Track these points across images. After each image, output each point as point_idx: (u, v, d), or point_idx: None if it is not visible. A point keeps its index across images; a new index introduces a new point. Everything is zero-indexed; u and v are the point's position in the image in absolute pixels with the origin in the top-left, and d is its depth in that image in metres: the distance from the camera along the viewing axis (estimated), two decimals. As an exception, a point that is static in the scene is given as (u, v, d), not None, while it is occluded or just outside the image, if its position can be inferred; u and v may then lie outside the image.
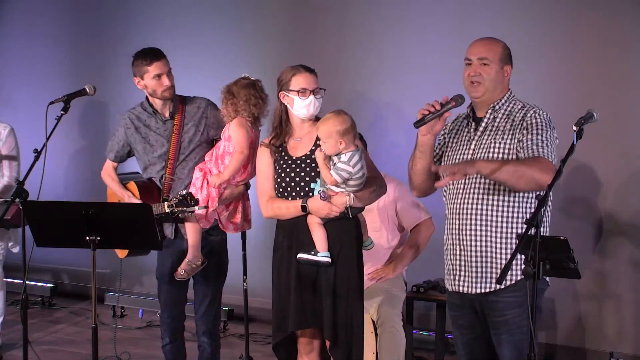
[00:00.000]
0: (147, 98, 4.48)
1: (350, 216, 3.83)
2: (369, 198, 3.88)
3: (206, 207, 4.16)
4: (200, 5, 6.64)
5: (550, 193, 3.20)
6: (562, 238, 3.04)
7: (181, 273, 4.30)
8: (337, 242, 3.81)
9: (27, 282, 4.16)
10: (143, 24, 6.83)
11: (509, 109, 3.54)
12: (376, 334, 4.72)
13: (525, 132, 3.43)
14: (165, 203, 4.17)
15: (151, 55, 4.36)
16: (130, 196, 4.44)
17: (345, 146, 3.74)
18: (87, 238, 3.75)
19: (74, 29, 7.25)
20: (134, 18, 6.92)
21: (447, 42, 5.53)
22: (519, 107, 3.54)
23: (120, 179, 4.57)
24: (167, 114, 4.44)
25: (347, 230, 3.85)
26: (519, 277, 3.36)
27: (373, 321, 4.75)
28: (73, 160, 7.29)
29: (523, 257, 3.09)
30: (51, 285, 7.11)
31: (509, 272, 3.36)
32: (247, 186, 4.37)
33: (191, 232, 4.29)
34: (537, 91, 5.09)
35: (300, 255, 3.78)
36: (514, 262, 3.09)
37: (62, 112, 4.17)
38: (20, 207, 4.01)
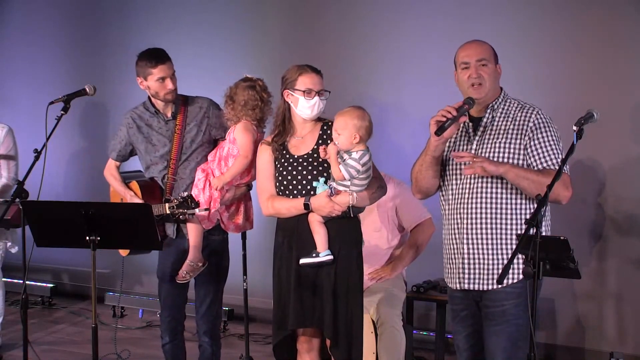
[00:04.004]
0: (149, 98, 4.47)
1: (352, 215, 3.84)
2: (370, 198, 3.88)
3: (207, 209, 4.16)
4: (200, 6, 6.63)
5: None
6: (562, 238, 3.04)
7: (183, 275, 4.29)
8: (337, 241, 3.81)
9: (27, 282, 4.16)
10: (143, 24, 6.82)
11: (506, 108, 3.55)
12: (376, 334, 4.72)
13: (532, 135, 3.44)
14: (167, 204, 4.17)
15: (157, 57, 4.33)
16: (132, 195, 4.43)
17: (359, 141, 3.73)
18: (87, 238, 3.75)
19: (74, 29, 7.25)
20: (134, 18, 6.91)
21: (447, 42, 5.50)
22: (516, 106, 3.55)
23: (123, 178, 4.57)
24: (169, 114, 4.43)
25: (348, 230, 3.86)
26: (520, 277, 3.35)
27: (373, 321, 4.74)
28: (73, 160, 7.29)
29: (523, 257, 3.10)
30: (51, 285, 7.11)
31: (511, 272, 3.40)
32: (249, 187, 4.37)
33: (193, 233, 4.29)
34: (537, 91, 5.09)
35: (302, 261, 3.78)
36: (514, 260, 3.10)
37: (62, 112, 4.17)
38: (20, 207, 4.01)
